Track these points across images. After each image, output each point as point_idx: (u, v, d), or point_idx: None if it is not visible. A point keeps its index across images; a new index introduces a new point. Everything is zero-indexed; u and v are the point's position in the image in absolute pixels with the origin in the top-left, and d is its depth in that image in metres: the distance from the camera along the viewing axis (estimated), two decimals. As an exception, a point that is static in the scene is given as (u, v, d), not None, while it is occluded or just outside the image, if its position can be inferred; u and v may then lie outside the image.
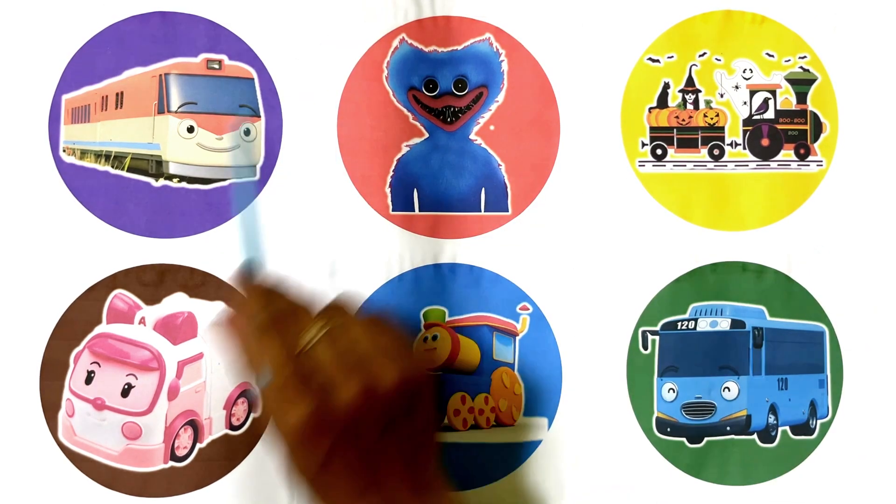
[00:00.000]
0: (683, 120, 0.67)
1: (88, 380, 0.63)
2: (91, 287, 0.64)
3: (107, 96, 0.65)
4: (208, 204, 0.65)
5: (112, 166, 0.65)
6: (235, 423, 0.64)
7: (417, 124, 0.67)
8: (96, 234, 0.64)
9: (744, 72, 0.68)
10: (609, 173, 0.67)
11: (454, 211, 0.66)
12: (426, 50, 0.67)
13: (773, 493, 0.65)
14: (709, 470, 0.65)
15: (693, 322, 0.66)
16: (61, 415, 0.63)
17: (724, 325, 0.66)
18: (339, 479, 0.48)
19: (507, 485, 0.64)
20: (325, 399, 0.46)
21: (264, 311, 0.50)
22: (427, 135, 0.67)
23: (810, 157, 0.67)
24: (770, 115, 0.68)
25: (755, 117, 0.68)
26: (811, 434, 0.66)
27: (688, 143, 0.67)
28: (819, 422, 0.66)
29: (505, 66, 0.67)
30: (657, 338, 0.66)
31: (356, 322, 0.51)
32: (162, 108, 0.65)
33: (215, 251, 0.65)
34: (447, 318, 0.65)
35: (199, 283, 0.64)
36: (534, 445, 0.65)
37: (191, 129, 0.65)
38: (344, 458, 0.47)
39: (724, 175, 0.67)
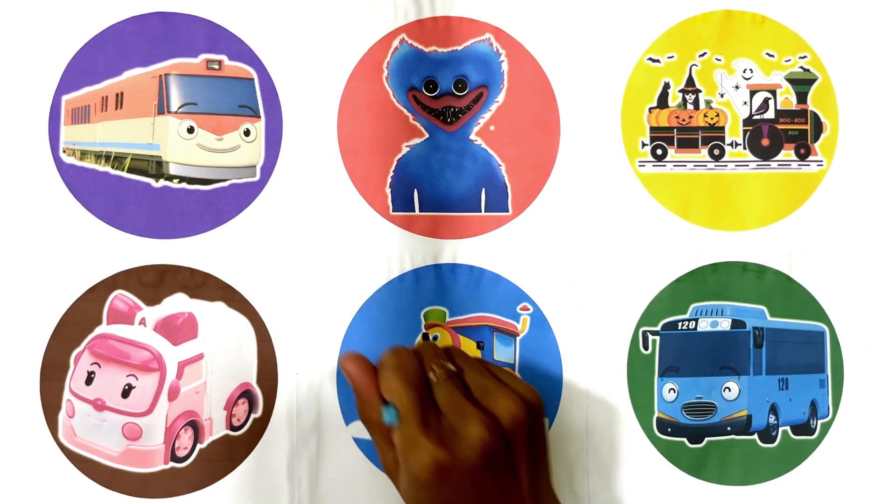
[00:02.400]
0: (684, 120, 0.67)
1: (89, 380, 0.63)
2: (91, 288, 0.64)
3: (107, 97, 0.65)
4: (208, 204, 0.65)
5: (112, 167, 0.65)
6: (236, 423, 0.64)
7: (417, 124, 0.67)
8: (96, 235, 0.64)
9: (744, 72, 0.68)
10: (609, 173, 0.67)
11: (454, 211, 0.66)
12: (426, 50, 0.67)
13: (774, 493, 0.65)
14: (709, 470, 0.65)
15: (693, 322, 0.66)
16: (61, 415, 0.63)
17: (724, 325, 0.66)
18: None
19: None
20: (454, 442, 0.47)
21: (388, 352, 0.52)
22: (427, 135, 0.67)
23: (810, 157, 0.67)
24: (770, 114, 0.68)
25: (755, 117, 0.68)
26: (812, 434, 0.66)
27: (688, 143, 0.67)
28: (820, 422, 0.66)
29: (505, 67, 0.67)
30: (658, 338, 0.66)
31: (465, 359, 0.52)
32: (162, 108, 0.65)
33: (215, 252, 0.65)
34: (448, 319, 0.65)
35: (200, 284, 0.64)
36: (534, 446, 0.65)
37: (191, 130, 0.65)
38: (467, 497, 0.48)
39: (724, 175, 0.67)
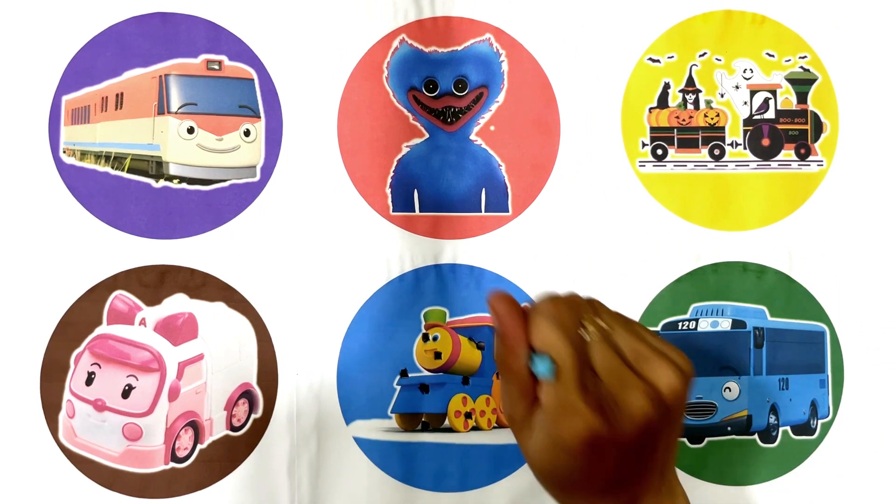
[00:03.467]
0: (684, 120, 0.67)
1: (89, 381, 0.63)
2: (91, 288, 0.64)
3: (107, 97, 0.65)
4: (208, 205, 0.65)
5: (112, 167, 0.65)
6: (236, 423, 0.64)
7: (418, 125, 0.67)
8: (96, 235, 0.64)
9: (744, 72, 0.68)
10: (609, 173, 0.67)
11: (455, 211, 0.66)
12: (426, 50, 0.67)
13: (774, 493, 0.65)
14: (710, 470, 0.65)
15: (694, 322, 0.66)
16: (62, 416, 0.63)
17: (724, 325, 0.66)
18: (597, 486, 0.43)
19: (509, 486, 0.64)
20: (613, 412, 0.42)
21: (545, 299, 0.46)
22: (427, 135, 0.67)
23: (811, 157, 0.67)
24: (770, 114, 0.68)
25: (755, 117, 0.68)
26: (812, 434, 0.66)
27: (688, 143, 0.67)
28: (820, 422, 0.66)
29: (505, 67, 0.67)
30: (658, 338, 0.66)
31: (615, 318, 0.46)
32: (162, 108, 0.65)
33: (216, 252, 0.65)
34: (448, 319, 0.65)
35: (200, 284, 0.64)
36: (534, 446, 0.65)
37: (191, 130, 0.65)
38: (611, 471, 0.43)
39: (724, 175, 0.67)
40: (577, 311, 0.46)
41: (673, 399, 0.43)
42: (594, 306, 0.47)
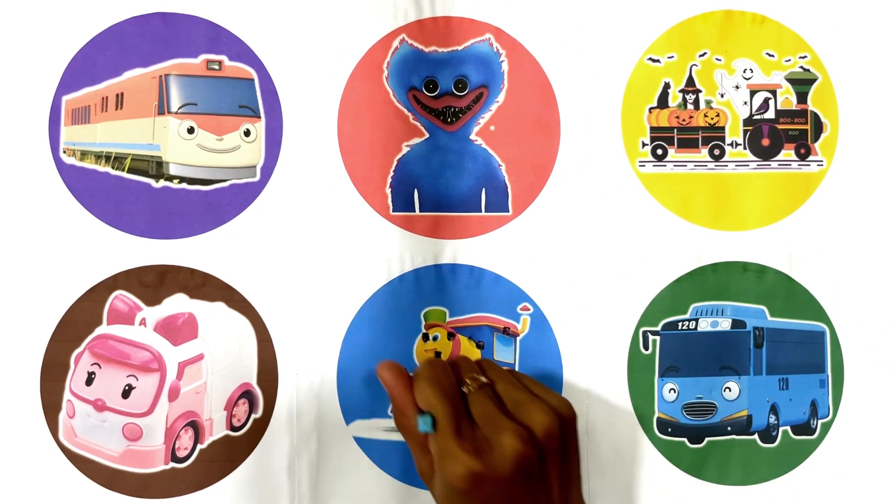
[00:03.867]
0: (684, 120, 0.67)
1: (89, 381, 0.63)
2: (91, 288, 0.64)
3: (107, 97, 0.65)
4: (208, 205, 0.65)
5: (112, 167, 0.65)
6: (236, 423, 0.64)
7: (418, 124, 0.67)
8: (97, 235, 0.64)
9: (744, 72, 0.68)
10: (609, 173, 0.67)
11: (455, 211, 0.66)
12: (426, 50, 0.67)
13: (774, 493, 0.66)
14: (709, 470, 0.65)
15: (694, 322, 0.66)
16: (62, 416, 0.63)
17: (724, 325, 0.66)
18: None
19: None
20: (489, 452, 0.48)
21: (424, 363, 0.54)
22: (427, 135, 0.67)
23: (811, 157, 0.67)
24: (770, 114, 0.68)
25: (755, 117, 0.68)
26: (812, 434, 0.66)
27: (688, 143, 0.67)
28: (820, 422, 0.66)
29: (505, 67, 0.67)
30: (658, 338, 0.66)
31: (498, 372, 0.54)
32: (162, 108, 0.65)
33: (216, 252, 0.65)
34: (448, 319, 0.65)
35: (200, 284, 0.64)
36: (534, 446, 0.65)
37: (191, 130, 0.65)
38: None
39: (724, 175, 0.67)
40: (457, 370, 0.54)
41: (546, 437, 0.50)
42: (481, 365, 0.55)
